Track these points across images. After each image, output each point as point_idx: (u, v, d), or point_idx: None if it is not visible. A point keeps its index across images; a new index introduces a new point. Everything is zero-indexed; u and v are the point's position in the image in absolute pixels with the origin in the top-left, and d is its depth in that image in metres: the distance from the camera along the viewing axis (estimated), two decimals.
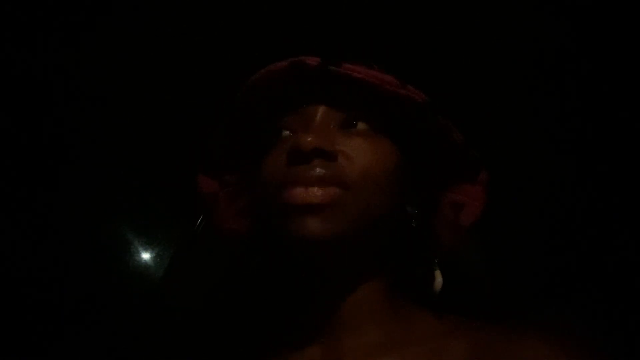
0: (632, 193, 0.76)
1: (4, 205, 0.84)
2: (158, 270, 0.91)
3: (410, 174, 0.56)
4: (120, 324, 0.82)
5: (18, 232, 0.84)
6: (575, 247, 0.76)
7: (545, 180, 0.81)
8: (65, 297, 0.82)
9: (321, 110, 0.54)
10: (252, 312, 0.69)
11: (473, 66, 0.82)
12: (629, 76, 0.79)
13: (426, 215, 0.57)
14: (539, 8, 0.79)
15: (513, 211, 0.77)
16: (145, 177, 0.91)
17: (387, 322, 0.54)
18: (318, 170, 0.50)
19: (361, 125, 0.54)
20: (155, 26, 0.85)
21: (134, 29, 0.85)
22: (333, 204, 0.49)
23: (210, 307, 0.79)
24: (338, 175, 0.50)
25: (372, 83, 0.53)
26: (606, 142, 0.79)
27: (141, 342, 0.78)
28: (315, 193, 0.49)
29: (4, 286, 0.80)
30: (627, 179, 0.77)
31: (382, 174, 0.52)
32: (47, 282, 0.83)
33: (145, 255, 0.92)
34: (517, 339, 0.50)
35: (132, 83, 0.89)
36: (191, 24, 0.85)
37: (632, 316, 0.67)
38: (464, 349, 0.51)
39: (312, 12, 0.81)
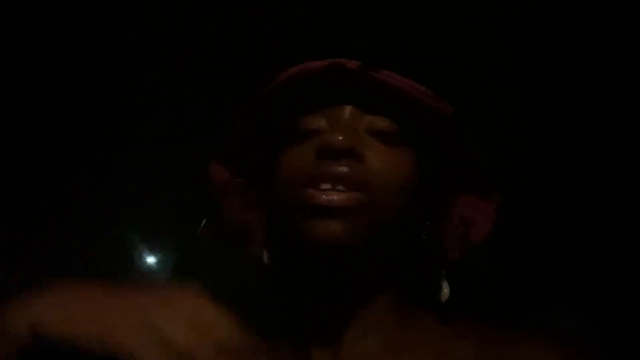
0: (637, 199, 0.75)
1: (11, 207, 0.84)
2: (162, 273, 0.91)
3: (425, 184, 0.55)
4: None
5: (25, 235, 0.85)
6: (580, 254, 0.75)
7: (553, 187, 0.80)
8: None
9: (350, 112, 0.53)
10: (257, 316, 0.69)
11: (506, 86, 0.82)
12: None
13: (436, 227, 0.57)
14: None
15: (518, 217, 0.76)
16: (151, 181, 0.92)
17: (393, 327, 0.53)
18: (347, 169, 0.49)
19: (387, 132, 0.53)
20: (176, 24, 0.85)
21: (151, 24, 0.85)
22: (356, 209, 0.48)
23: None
24: (365, 178, 0.49)
25: (408, 92, 0.53)
26: (617, 151, 0.79)
27: None
28: (340, 195, 0.48)
29: (11, 289, 0.80)
30: (631, 185, 0.76)
31: (405, 183, 0.52)
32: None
33: (150, 259, 0.93)
34: (522, 344, 0.50)
35: (144, 88, 0.90)
36: (210, 23, 0.85)
37: (636, 323, 0.66)
38: (468, 354, 0.50)
39: (349, 18, 0.81)
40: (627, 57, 0.79)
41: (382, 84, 0.53)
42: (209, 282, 0.81)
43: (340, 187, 0.49)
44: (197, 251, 0.84)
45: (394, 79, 0.53)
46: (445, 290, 0.55)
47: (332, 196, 0.48)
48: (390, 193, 0.50)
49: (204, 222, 0.81)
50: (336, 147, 0.49)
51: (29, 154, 0.87)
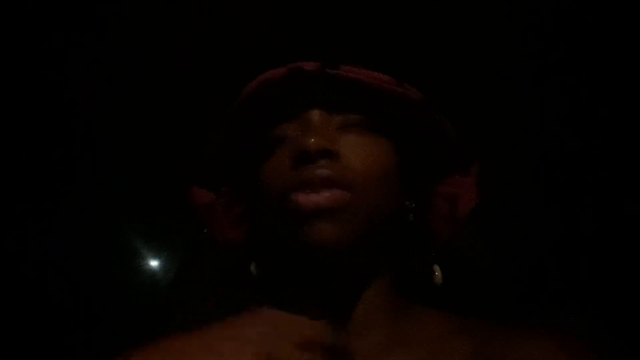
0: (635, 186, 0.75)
1: (14, 211, 0.85)
2: (166, 277, 0.91)
3: (406, 169, 0.56)
4: (127, 331, 0.82)
5: (28, 238, 0.85)
6: (578, 246, 0.75)
7: (547, 174, 0.80)
8: (73, 303, 0.83)
9: (319, 113, 0.54)
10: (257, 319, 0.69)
11: (466, 62, 0.82)
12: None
13: (422, 209, 0.58)
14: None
15: (517, 208, 0.76)
16: (154, 184, 0.92)
17: (393, 322, 0.54)
18: (325, 170, 0.50)
19: (359, 126, 0.54)
20: (155, 34, 0.86)
21: (135, 35, 0.86)
22: (343, 208, 0.49)
23: (217, 313, 0.79)
24: (345, 174, 0.50)
25: (370, 83, 0.54)
26: (607, 135, 0.78)
27: None
28: (325, 198, 0.49)
29: (13, 290, 0.81)
30: (630, 172, 0.76)
31: (384, 172, 0.52)
32: (55, 288, 0.84)
33: (154, 262, 0.93)
34: (522, 338, 0.50)
35: (144, 92, 0.90)
36: (186, 34, 0.86)
37: (635, 315, 0.66)
38: (468, 349, 0.51)
39: (306, 16, 0.81)
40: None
41: (343, 80, 0.54)
42: (213, 287, 0.82)
43: (323, 189, 0.49)
44: (201, 255, 0.84)
45: (354, 73, 0.54)
46: (438, 273, 0.55)
47: (317, 199, 0.49)
48: (372, 184, 0.51)
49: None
50: (310, 150, 0.50)
51: (29, 154, 0.88)
